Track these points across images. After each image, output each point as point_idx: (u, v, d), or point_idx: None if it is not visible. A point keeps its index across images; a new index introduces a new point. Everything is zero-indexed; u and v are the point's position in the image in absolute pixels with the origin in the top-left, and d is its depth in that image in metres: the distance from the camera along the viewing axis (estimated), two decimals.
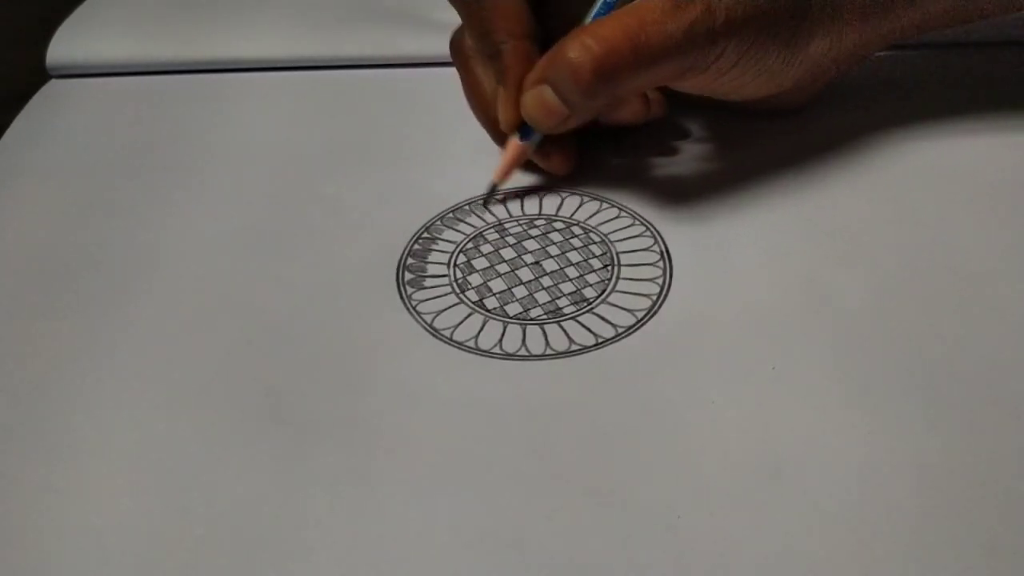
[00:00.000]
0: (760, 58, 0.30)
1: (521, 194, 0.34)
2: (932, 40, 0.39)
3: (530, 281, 0.30)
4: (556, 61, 0.29)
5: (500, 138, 0.34)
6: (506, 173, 0.33)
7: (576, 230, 0.32)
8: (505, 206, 0.33)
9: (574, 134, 0.33)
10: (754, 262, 0.30)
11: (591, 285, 0.30)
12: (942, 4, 0.32)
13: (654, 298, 0.29)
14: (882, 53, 0.39)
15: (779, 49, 0.31)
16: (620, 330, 0.28)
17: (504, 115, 0.32)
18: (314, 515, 0.24)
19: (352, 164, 0.36)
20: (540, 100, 0.30)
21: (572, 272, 0.31)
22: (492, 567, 0.23)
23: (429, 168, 0.36)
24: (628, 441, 0.25)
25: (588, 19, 0.31)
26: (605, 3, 0.31)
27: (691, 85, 0.31)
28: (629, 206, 0.33)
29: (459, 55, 0.34)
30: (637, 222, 0.32)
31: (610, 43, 0.28)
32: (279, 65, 0.41)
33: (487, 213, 0.33)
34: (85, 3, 0.44)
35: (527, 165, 0.34)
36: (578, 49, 0.28)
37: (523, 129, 0.32)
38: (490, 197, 0.34)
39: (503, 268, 0.31)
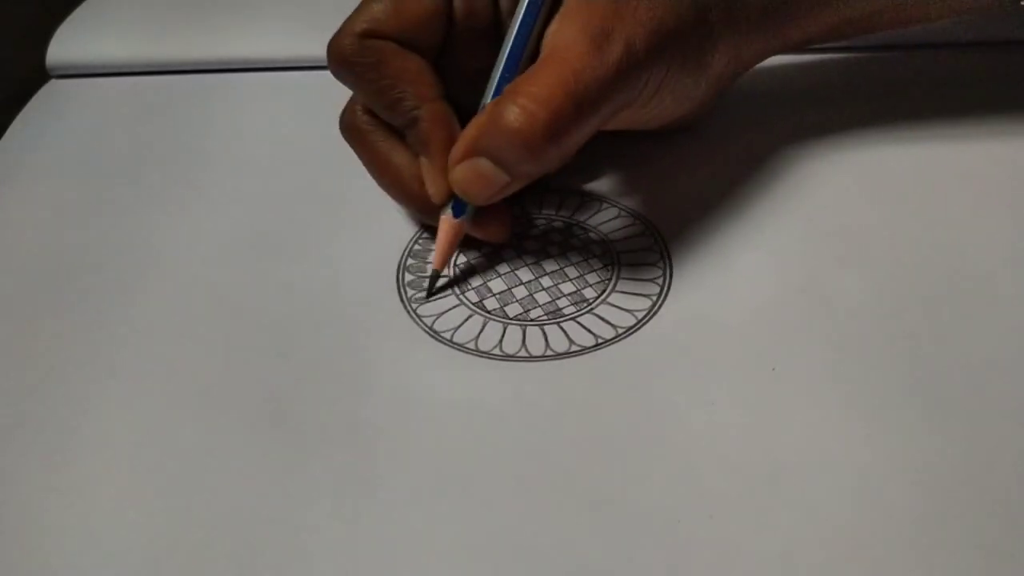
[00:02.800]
0: (676, 81, 0.30)
1: (521, 195, 0.34)
2: (934, 41, 0.39)
3: (530, 281, 0.30)
4: (496, 131, 0.27)
5: (426, 211, 0.31)
6: (447, 257, 0.30)
7: (576, 230, 0.32)
8: None
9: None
10: (754, 263, 0.30)
11: (591, 285, 0.30)
12: (844, 13, 0.32)
13: (654, 298, 0.29)
14: (883, 53, 0.39)
15: (691, 70, 0.30)
16: (620, 331, 0.28)
17: (435, 187, 0.29)
18: (314, 518, 0.24)
19: (352, 164, 0.36)
20: (475, 173, 0.28)
21: (572, 272, 0.31)
22: (492, 569, 0.23)
23: None
24: (628, 443, 0.25)
25: (496, 73, 0.29)
26: (511, 56, 0.29)
27: (617, 122, 0.30)
28: (629, 206, 0.33)
29: (355, 133, 0.31)
30: (637, 222, 0.32)
31: (551, 102, 0.26)
32: (279, 65, 0.41)
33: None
34: (85, 3, 0.44)
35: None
36: (518, 115, 0.26)
37: (455, 203, 0.29)
38: (433, 286, 0.30)
39: (503, 268, 0.31)
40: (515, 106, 0.26)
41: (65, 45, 0.42)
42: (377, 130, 0.31)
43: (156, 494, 0.25)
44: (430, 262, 0.31)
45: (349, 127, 0.31)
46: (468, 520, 0.24)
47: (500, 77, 0.29)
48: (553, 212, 0.33)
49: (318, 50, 0.42)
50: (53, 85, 0.42)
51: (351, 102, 0.31)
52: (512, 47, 0.29)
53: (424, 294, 0.30)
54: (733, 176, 0.34)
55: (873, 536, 0.23)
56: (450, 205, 0.29)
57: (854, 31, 0.33)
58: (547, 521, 0.24)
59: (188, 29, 0.42)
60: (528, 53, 0.29)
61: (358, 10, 0.29)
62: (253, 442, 0.26)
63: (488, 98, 0.29)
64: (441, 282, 0.30)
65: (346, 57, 0.29)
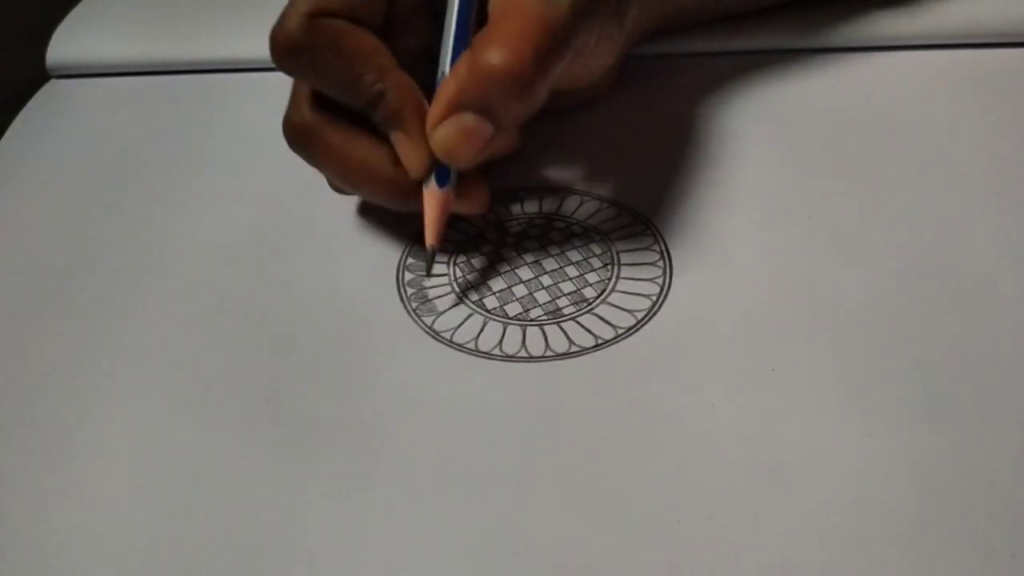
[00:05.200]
0: (604, 31, 0.30)
1: (520, 194, 0.34)
2: (929, 40, 0.39)
3: (530, 280, 0.30)
4: (481, 77, 0.26)
5: (402, 194, 0.30)
6: (441, 231, 0.29)
7: (576, 229, 0.32)
8: (505, 206, 0.33)
9: (481, 168, 0.30)
10: (754, 262, 0.30)
11: (591, 285, 0.30)
12: None
13: (654, 298, 0.29)
14: (891, 51, 0.39)
15: (614, 18, 0.31)
16: (620, 331, 0.28)
17: (415, 159, 0.28)
18: (315, 518, 0.24)
19: None
20: (461, 130, 0.27)
21: (572, 271, 0.31)
22: (491, 570, 0.23)
23: None
24: (627, 444, 0.25)
25: (448, 40, 0.29)
26: (460, 22, 0.29)
27: (562, 77, 0.29)
28: (629, 205, 0.33)
29: (308, 133, 0.29)
30: (637, 222, 0.32)
31: (532, 38, 0.26)
32: None
33: (487, 212, 0.33)
34: (83, 2, 0.44)
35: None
36: (503, 54, 0.26)
37: (439, 173, 0.29)
38: (431, 264, 0.30)
39: (503, 267, 0.31)
40: (497, 47, 0.26)
41: (65, 45, 0.42)
42: (330, 124, 0.29)
43: (157, 495, 0.25)
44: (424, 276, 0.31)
45: (299, 128, 0.30)
46: (468, 520, 0.24)
47: (454, 43, 0.29)
48: (553, 212, 0.33)
49: None
50: (53, 85, 0.42)
51: (295, 101, 0.30)
52: (459, 12, 0.29)
53: (423, 276, 0.30)
54: (734, 176, 0.34)
55: (873, 536, 0.23)
56: (432, 178, 0.29)
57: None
58: (547, 521, 0.24)
59: (188, 29, 0.42)
60: (474, 19, 0.29)
61: None
62: (253, 442, 0.26)
63: (446, 65, 0.29)
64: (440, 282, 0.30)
65: (297, 41, 0.28)
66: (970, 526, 0.23)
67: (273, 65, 0.41)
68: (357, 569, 0.23)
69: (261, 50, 0.41)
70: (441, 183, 0.29)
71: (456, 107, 0.27)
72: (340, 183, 0.31)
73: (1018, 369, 0.26)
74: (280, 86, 0.41)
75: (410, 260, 0.31)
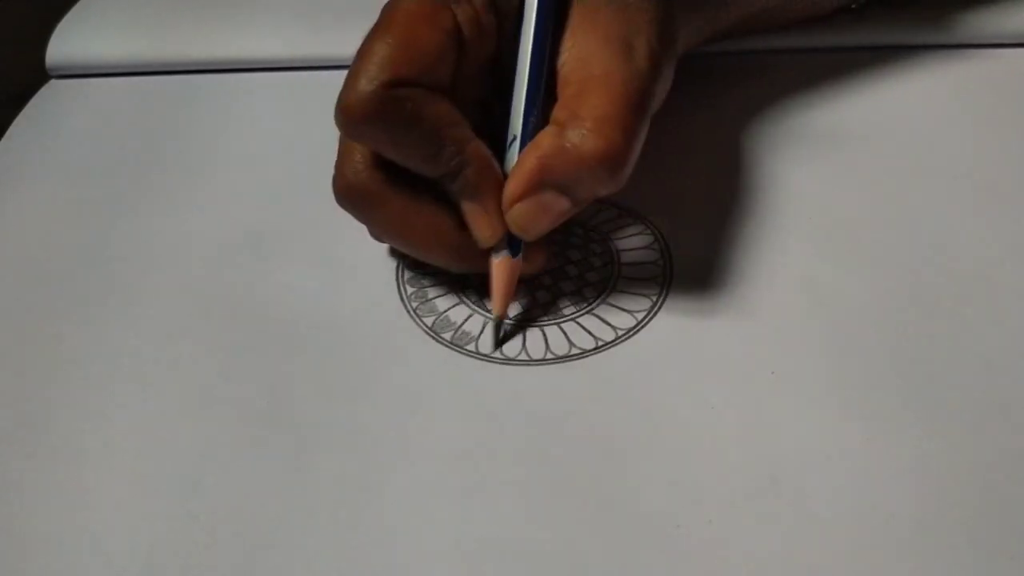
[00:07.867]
0: (670, 70, 0.30)
1: None
2: (928, 41, 0.39)
3: (530, 280, 0.30)
4: (571, 161, 0.25)
5: (466, 262, 0.29)
6: (509, 300, 0.28)
7: (576, 229, 0.32)
8: None
9: None
10: (754, 263, 0.30)
11: (591, 284, 0.30)
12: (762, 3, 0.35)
13: (654, 299, 0.29)
14: (891, 51, 0.39)
15: (672, 57, 0.30)
16: (620, 332, 0.28)
17: (489, 230, 0.27)
18: (314, 519, 0.24)
19: None
20: (540, 207, 0.26)
21: (572, 271, 0.31)
22: (490, 572, 0.23)
23: None
24: (627, 447, 0.25)
25: (520, 98, 0.27)
26: (532, 80, 0.27)
27: None
28: (629, 206, 0.33)
29: (365, 197, 0.27)
30: (637, 222, 0.32)
31: (621, 121, 0.26)
32: (279, 65, 0.41)
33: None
34: (82, 2, 0.44)
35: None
36: (595, 141, 0.25)
37: (511, 242, 0.28)
38: (499, 335, 0.29)
39: None
40: (586, 132, 0.25)
41: (65, 45, 0.42)
42: (391, 187, 0.27)
43: (158, 496, 0.25)
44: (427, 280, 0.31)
45: (358, 191, 0.27)
46: (467, 523, 0.24)
47: (526, 103, 0.27)
48: None
49: (318, 50, 0.42)
50: (53, 85, 0.42)
51: (347, 159, 0.28)
52: (531, 71, 0.27)
53: (490, 346, 0.28)
54: (734, 177, 0.34)
55: (873, 540, 0.23)
56: (505, 246, 0.28)
57: (770, 19, 0.37)
58: (547, 525, 0.24)
59: (188, 29, 0.42)
60: (544, 79, 0.28)
61: (366, 57, 0.26)
62: (254, 443, 0.26)
63: (517, 127, 0.27)
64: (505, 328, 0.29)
65: (373, 113, 0.25)
66: (969, 528, 0.23)
67: (272, 65, 0.41)
68: (357, 570, 0.23)
69: (261, 50, 0.42)
70: (515, 252, 0.28)
71: (538, 186, 0.26)
72: (399, 247, 0.30)
73: (1018, 370, 0.26)
74: (280, 86, 0.41)
75: (409, 274, 0.31)
